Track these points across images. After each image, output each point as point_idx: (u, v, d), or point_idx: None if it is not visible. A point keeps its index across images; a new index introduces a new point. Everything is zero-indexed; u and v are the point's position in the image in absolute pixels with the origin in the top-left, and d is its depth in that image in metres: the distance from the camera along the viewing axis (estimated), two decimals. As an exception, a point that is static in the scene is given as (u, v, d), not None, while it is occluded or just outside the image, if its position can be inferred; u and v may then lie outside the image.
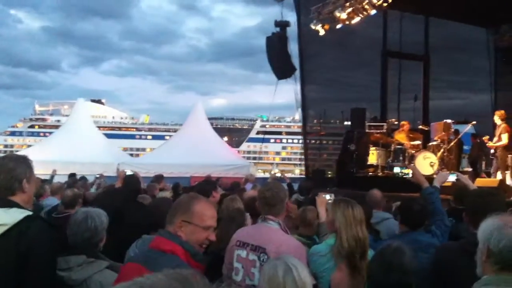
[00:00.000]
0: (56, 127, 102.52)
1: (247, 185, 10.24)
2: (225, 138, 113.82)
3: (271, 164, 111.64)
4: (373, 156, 13.23)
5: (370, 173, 13.30)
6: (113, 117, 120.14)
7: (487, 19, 15.55)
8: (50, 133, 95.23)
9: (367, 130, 13.86)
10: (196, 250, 2.37)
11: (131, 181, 5.93)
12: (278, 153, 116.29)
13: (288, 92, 17.70)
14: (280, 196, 3.34)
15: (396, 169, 12.14)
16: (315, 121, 19.46)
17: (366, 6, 12.90)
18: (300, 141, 18.15)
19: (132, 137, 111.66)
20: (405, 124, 13.21)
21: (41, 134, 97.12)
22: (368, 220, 3.86)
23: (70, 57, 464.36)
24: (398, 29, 15.74)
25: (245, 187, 9.18)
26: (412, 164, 6.64)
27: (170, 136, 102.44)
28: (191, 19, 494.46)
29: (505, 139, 10.76)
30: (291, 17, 16.70)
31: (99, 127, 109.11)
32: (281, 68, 16.26)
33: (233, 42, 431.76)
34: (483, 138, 11.82)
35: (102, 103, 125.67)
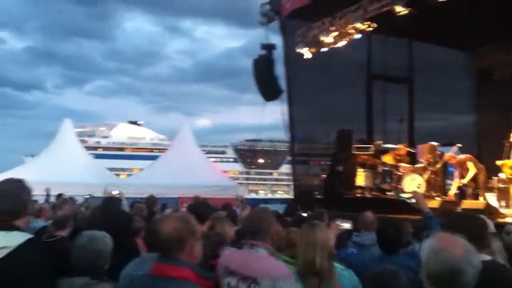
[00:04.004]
0: (95, 148, 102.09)
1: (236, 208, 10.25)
2: (261, 160, 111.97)
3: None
4: (361, 178, 13.39)
5: (358, 195, 13.43)
6: (152, 139, 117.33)
7: (466, 43, 15.93)
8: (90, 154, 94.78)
9: (354, 152, 14.01)
10: (204, 270, 2.51)
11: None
12: (317, 175, 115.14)
13: (275, 113, 17.83)
14: (262, 225, 3.33)
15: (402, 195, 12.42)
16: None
17: (351, 31, 13.15)
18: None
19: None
20: (402, 148, 13.44)
21: None
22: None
23: (54, 77, 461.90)
24: (382, 52, 16.02)
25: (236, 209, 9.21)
26: (414, 190, 6.87)
27: (214, 157, 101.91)
28: (174, 40, 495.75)
29: (472, 167, 11.16)
30: (277, 39, 16.91)
31: (137, 148, 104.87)
32: (268, 90, 16.41)
33: (217, 63, 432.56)
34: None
35: (139, 125, 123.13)
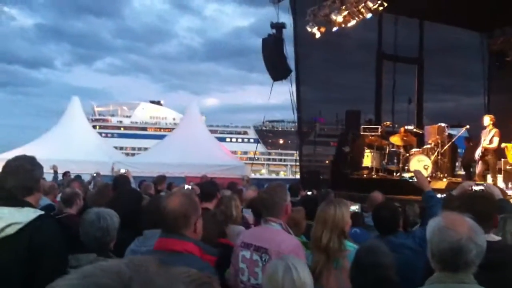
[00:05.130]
0: (118, 127, 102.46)
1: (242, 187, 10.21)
2: (281, 141, 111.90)
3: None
4: (368, 159, 13.36)
5: (364, 175, 13.41)
6: (174, 119, 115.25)
7: (480, 24, 15.70)
8: (112, 134, 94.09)
9: (361, 133, 13.96)
10: (207, 246, 2.53)
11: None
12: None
13: (283, 93, 17.74)
14: (275, 199, 3.43)
15: (405, 175, 12.48)
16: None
17: (362, 10, 12.98)
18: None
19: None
20: (402, 130, 13.40)
21: (103, 135, 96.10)
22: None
23: (63, 54, 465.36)
24: (393, 33, 15.88)
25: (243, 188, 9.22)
26: (417, 169, 6.79)
27: (234, 138, 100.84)
28: (183, 18, 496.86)
29: (496, 142, 10.96)
30: (287, 19, 16.77)
31: (159, 128, 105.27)
32: (277, 69, 16.32)
33: (226, 41, 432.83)
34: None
35: (161, 104, 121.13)
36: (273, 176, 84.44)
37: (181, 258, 2.28)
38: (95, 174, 11.90)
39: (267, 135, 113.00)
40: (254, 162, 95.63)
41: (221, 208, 4.67)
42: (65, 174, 12.94)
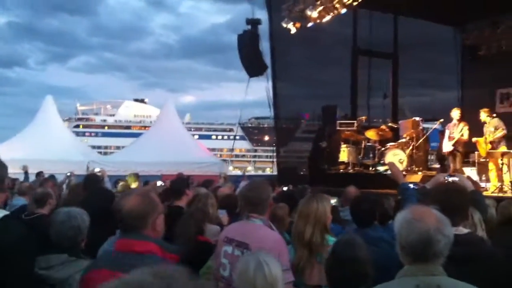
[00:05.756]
0: (102, 126, 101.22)
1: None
2: (266, 137, 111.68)
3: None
4: (344, 153, 13.43)
5: (341, 170, 13.47)
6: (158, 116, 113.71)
7: (454, 18, 15.88)
8: (96, 132, 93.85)
9: (338, 128, 14.01)
10: (168, 244, 2.50)
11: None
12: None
13: (260, 89, 17.72)
14: (262, 197, 3.41)
15: (380, 167, 12.67)
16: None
17: (337, 5, 12.99)
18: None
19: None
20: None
21: (87, 134, 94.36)
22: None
23: (36, 53, 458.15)
24: (368, 28, 15.93)
25: (220, 185, 9.16)
26: (391, 161, 6.81)
27: (220, 135, 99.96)
28: (159, 15, 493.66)
29: (467, 135, 11.12)
30: (262, 15, 16.73)
31: (143, 126, 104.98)
32: (253, 65, 16.28)
33: (202, 38, 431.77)
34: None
35: (145, 103, 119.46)
36: (259, 172, 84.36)
37: (142, 259, 2.23)
38: (69, 174, 11.68)
39: (253, 132, 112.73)
40: (239, 159, 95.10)
41: (199, 206, 4.63)
42: (39, 174, 12.67)
